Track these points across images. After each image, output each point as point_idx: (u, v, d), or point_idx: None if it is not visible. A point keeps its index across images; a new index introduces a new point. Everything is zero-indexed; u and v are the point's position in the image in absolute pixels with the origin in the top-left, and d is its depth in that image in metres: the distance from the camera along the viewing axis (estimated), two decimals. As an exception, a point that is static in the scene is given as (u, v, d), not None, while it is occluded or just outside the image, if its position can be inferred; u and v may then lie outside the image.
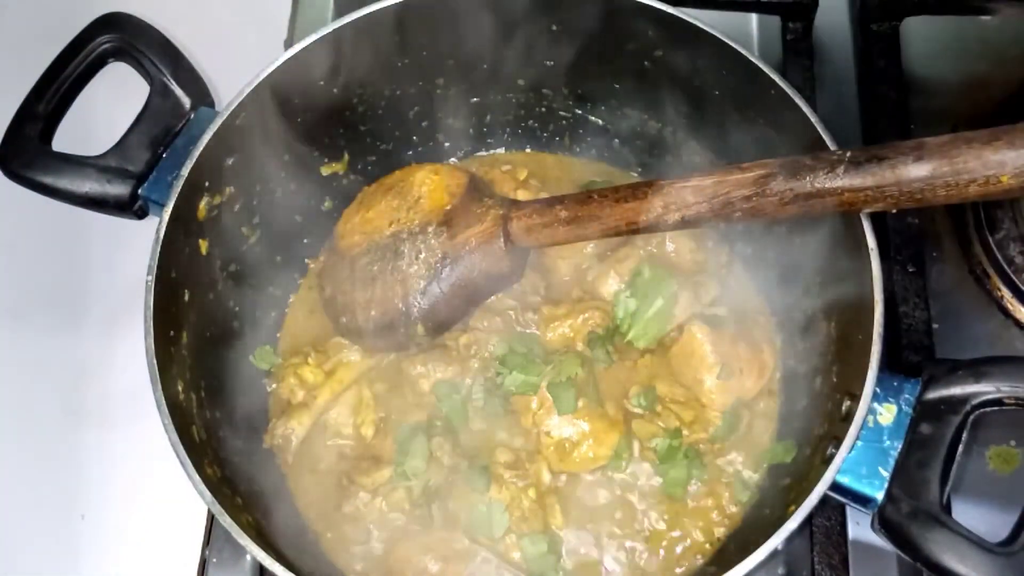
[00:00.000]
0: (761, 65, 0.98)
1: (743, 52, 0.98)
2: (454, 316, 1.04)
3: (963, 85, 1.29)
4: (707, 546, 1.02)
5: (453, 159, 1.29)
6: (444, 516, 1.01)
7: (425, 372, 1.08)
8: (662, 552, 1.02)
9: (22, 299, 1.27)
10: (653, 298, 1.07)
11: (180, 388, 0.93)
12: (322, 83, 1.07)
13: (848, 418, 0.85)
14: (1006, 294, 1.14)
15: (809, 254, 1.02)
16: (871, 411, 0.85)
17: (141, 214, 1.05)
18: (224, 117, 0.99)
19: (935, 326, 1.11)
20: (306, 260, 1.22)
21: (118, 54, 1.07)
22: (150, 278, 0.92)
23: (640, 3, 1.01)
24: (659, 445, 1.03)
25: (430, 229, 1.01)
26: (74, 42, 1.07)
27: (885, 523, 0.83)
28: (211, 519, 1.08)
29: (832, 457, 0.84)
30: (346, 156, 1.19)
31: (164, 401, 0.88)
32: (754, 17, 1.34)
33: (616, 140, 1.24)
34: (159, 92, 1.05)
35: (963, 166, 0.72)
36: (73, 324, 1.24)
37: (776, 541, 0.81)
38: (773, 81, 0.97)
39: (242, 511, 0.89)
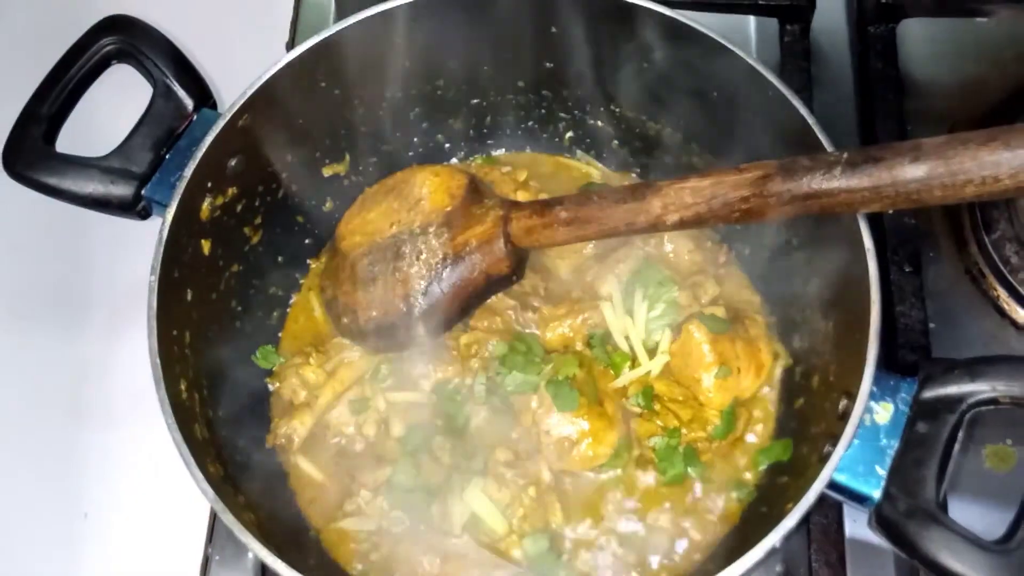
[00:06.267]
0: (759, 67, 0.98)
1: (741, 54, 0.99)
2: (454, 316, 1.05)
3: (960, 87, 1.30)
4: (705, 544, 1.02)
5: (454, 160, 1.30)
6: (444, 515, 1.02)
7: (425, 372, 1.08)
8: (661, 550, 1.02)
9: (25, 299, 1.28)
10: (654, 300, 1.08)
11: (183, 387, 0.94)
12: (324, 84, 1.08)
13: (845, 417, 0.86)
14: (1002, 294, 1.15)
15: (806, 254, 1.03)
16: (868, 410, 0.86)
17: (144, 215, 1.06)
18: (227, 118, 0.99)
19: (931, 325, 1.11)
20: (308, 260, 1.23)
21: (121, 56, 1.08)
22: (153, 278, 0.93)
23: (639, 5, 1.02)
24: (658, 444, 1.04)
25: (431, 230, 1.01)
26: (77, 44, 1.07)
27: (882, 521, 0.83)
28: (213, 517, 1.09)
29: (829, 456, 0.84)
30: (347, 157, 1.19)
31: (167, 400, 0.88)
32: (752, 19, 1.35)
33: (615, 141, 1.24)
34: (162, 94, 1.06)
35: (959, 167, 0.72)
36: (76, 324, 1.25)
37: (774, 539, 0.82)
38: (770, 83, 0.98)
39: (244, 509, 0.90)
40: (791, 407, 1.06)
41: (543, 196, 1.14)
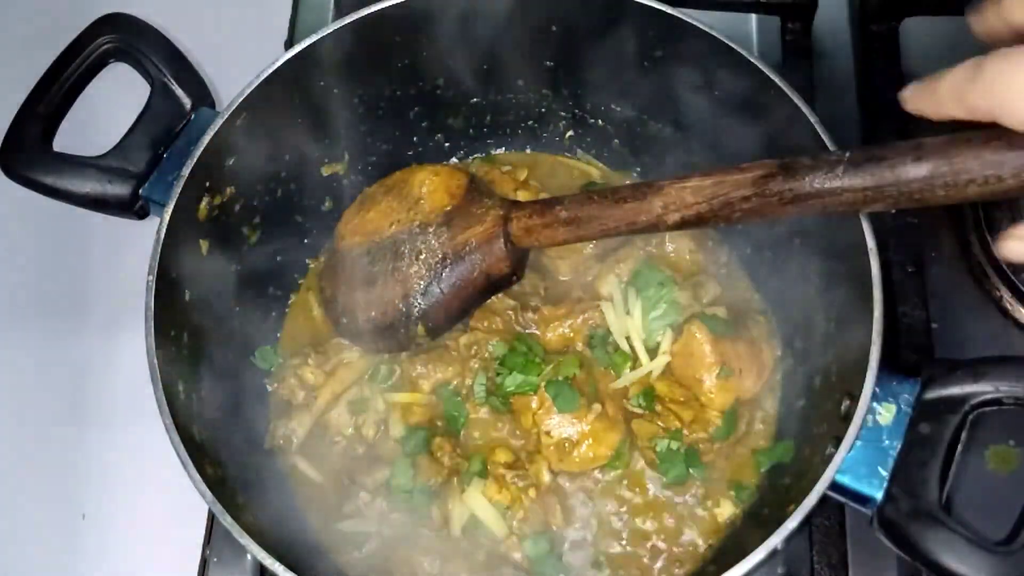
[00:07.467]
0: (760, 65, 0.98)
1: (742, 52, 0.99)
2: (454, 316, 1.04)
3: (962, 85, 1.29)
4: (707, 546, 1.02)
5: (453, 159, 1.29)
6: (444, 516, 1.01)
7: (425, 372, 1.08)
8: (662, 551, 1.02)
9: (23, 299, 1.28)
10: (655, 300, 1.07)
11: (181, 388, 0.93)
12: (322, 83, 1.07)
13: (847, 418, 0.85)
14: (1005, 294, 1.14)
15: (808, 254, 1.03)
16: (870, 411, 0.85)
17: (142, 214, 1.05)
18: (225, 118, 0.99)
19: (934, 326, 1.11)
20: (306, 260, 1.22)
21: (119, 55, 1.07)
22: (151, 278, 0.92)
23: (640, 3, 1.01)
24: (659, 445, 1.03)
25: (430, 230, 1.01)
26: (75, 43, 1.07)
27: (884, 522, 0.83)
28: (212, 519, 1.08)
29: (831, 457, 0.84)
30: (346, 156, 1.19)
31: (165, 401, 0.88)
32: (753, 18, 1.34)
33: (616, 140, 1.24)
34: (160, 92, 1.05)
35: (962, 166, 0.72)
36: (74, 324, 1.25)
37: (775, 540, 0.81)
38: (772, 81, 0.97)
39: (243, 511, 0.89)
40: (793, 408, 1.06)
41: (543, 196, 1.14)
